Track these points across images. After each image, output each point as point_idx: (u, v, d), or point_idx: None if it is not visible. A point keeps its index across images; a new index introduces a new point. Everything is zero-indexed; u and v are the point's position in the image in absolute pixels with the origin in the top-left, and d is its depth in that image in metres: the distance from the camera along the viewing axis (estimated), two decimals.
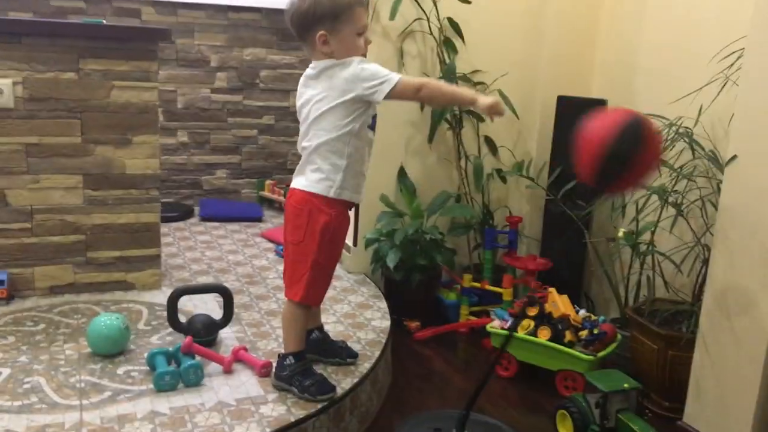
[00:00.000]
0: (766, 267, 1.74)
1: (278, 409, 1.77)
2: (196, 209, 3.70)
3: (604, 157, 1.62)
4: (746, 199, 1.79)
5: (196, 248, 3.08)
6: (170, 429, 1.65)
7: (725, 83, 2.05)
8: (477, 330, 2.71)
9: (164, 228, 3.32)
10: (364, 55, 1.81)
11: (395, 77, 1.74)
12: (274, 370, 1.90)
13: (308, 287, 1.84)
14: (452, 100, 1.87)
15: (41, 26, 2.35)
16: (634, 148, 1.61)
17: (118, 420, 1.67)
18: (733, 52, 1.98)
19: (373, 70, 1.75)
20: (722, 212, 1.86)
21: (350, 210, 1.92)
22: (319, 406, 1.79)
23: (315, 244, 1.81)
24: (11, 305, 2.32)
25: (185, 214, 3.58)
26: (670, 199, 2.16)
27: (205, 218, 3.56)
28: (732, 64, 2.00)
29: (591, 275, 2.81)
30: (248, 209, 3.67)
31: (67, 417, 1.67)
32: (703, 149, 2.13)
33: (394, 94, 1.75)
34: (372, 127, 1.86)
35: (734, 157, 1.81)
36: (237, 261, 2.93)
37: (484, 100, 1.75)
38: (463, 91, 1.83)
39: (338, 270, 2.88)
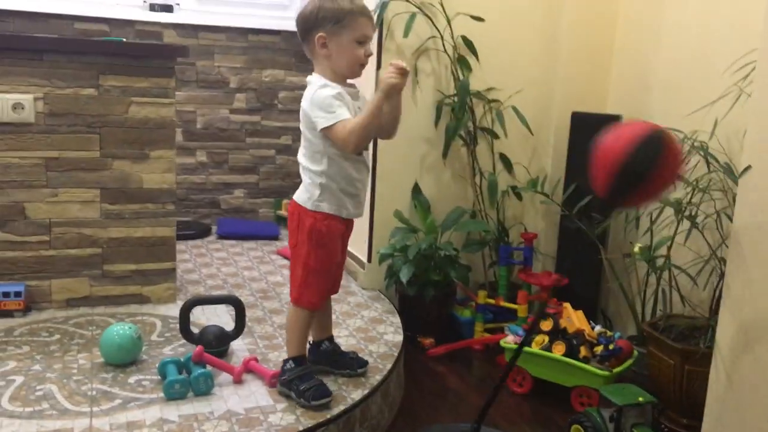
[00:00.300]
0: None
1: (287, 418, 1.76)
2: (214, 228, 3.73)
3: (621, 171, 1.61)
4: (760, 209, 1.77)
5: (212, 264, 3.10)
6: None
7: (739, 96, 2.04)
8: (492, 347, 2.69)
9: (181, 245, 3.35)
10: (363, 66, 1.83)
11: (333, 120, 1.74)
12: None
13: (301, 289, 1.88)
14: (376, 114, 1.74)
15: (63, 44, 2.41)
16: (653, 162, 1.60)
17: (127, 426, 1.68)
18: (747, 64, 1.97)
19: (322, 100, 1.77)
20: (737, 223, 1.83)
21: (343, 220, 1.91)
22: (328, 415, 1.79)
23: (305, 247, 1.86)
24: (28, 317, 2.34)
25: (203, 232, 3.61)
26: (686, 213, 2.14)
27: (222, 236, 3.59)
28: (747, 76, 1.99)
29: (608, 293, 2.79)
30: (265, 228, 3.69)
31: (77, 423, 1.68)
32: (717, 162, 2.11)
33: (329, 133, 1.76)
34: None
35: (748, 168, 1.79)
36: (252, 277, 2.95)
37: (385, 84, 1.73)
38: (373, 102, 1.75)
39: (352, 286, 2.90)
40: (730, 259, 1.86)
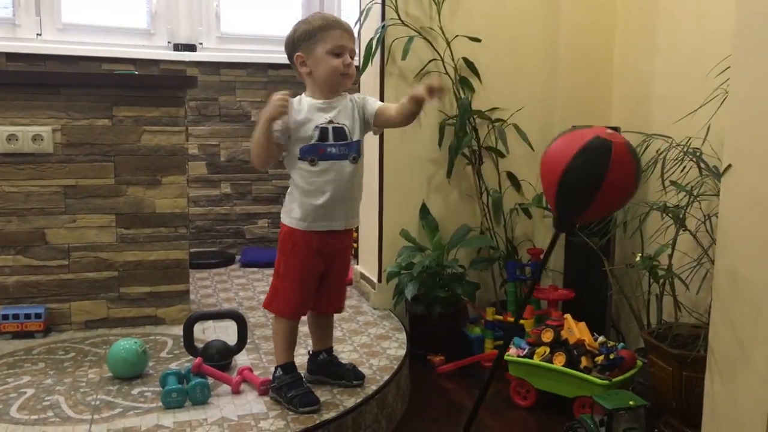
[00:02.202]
0: (765, 276, 1.69)
1: (277, 423, 1.81)
2: (238, 257, 3.83)
3: (560, 190, 1.55)
4: (742, 207, 1.76)
5: (230, 290, 3.19)
6: None
7: (725, 98, 2.04)
8: (503, 365, 2.68)
9: (204, 273, 3.47)
10: (345, 75, 1.89)
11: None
12: None
13: (271, 294, 2.01)
14: (260, 137, 1.83)
15: (78, 78, 2.57)
16: (596, 176, 1.52)
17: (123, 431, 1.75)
18: (728, 68, 1.98)
19: None
20: (722, 222, 1.83)
21: (315, 233, 1.95)
22: (318, 421, 1.83)
23: (279, 254, 1.97)
24: (48, 338, 2.45)
25: (226, 261, 3.71)
26: (672, 214, 2.15)
27: (245, 264, 3.68)
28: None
29: (620, 307, 2.76)
30: None
31: (77, 428, 1.76)
32: (708, 166, 2.11)
33: None
34: (313, 159, 1.88)
35: (729, 167, 1.80)
36: None
37: (265, 114, 1.83)
38: (260, 127, 1.84)
39: (364, 306, 2.94)
40: (717, 260, 1.86)
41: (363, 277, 3.12)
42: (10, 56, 3.42)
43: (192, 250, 3.15)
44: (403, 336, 2.57)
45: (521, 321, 2.69)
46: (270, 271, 3.45)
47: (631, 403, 1.85)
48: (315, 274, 1.98)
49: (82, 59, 3.55)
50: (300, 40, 1.88)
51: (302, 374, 2.02)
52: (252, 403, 1.94)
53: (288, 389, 1.89)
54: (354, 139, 1.93)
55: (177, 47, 3.79)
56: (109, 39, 3.66)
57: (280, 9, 4.01)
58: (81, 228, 2.51)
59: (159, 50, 3.76)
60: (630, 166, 1.62)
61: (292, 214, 1.94)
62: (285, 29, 1.99)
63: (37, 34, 3.52)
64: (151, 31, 3.78)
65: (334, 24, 1.88)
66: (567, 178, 1.55)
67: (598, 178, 1.55)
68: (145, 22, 3.78)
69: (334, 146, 1.89)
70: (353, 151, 1.92)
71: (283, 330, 1.98)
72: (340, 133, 1.91)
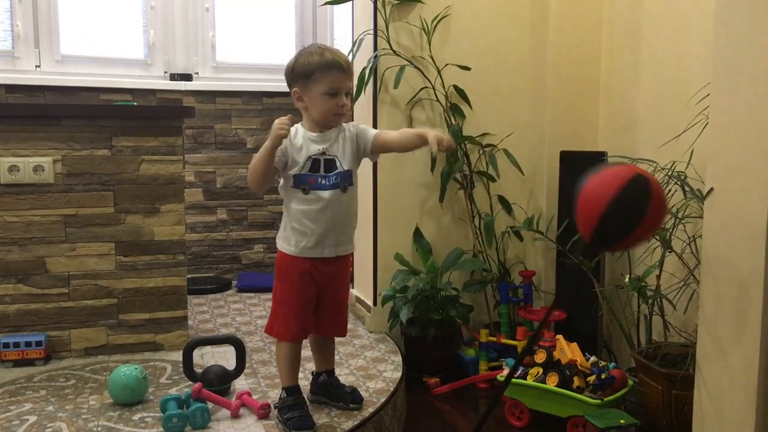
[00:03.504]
0: (748, 295, 1.75)
1: None
2: (235, 282, 3.87)
3: (604, 217, 1.61)
4: (724, 228, 1.82)
5: (227, 315, 3.23)
6: None
7: (706, 124, 2.11)
8: (498, 385, 2.73)
9: (201, 299, 3.51)
10: (339, 115, 1.95)
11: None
12: None
13: (272, 319, 2.06)
14: (262, 157, 1.90)
15: (78, 109, 2.63)
16: (639, 207, 1.61)
17: None
18: (708, 95, 2.05)
19: None
20: (705, 244, 1.89)
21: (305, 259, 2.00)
22: None
23: (276, 279, 2.03)
24: (48, 365, 2.49)
25: (223, 286, 3.75)
26: (659, 236, 2.21)
27: (241, 290, 3.72)
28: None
29: (611, 327, 2.82)
30: None
31: None
32: (691, 188, 2.17)
33: None
34: (305, 188, 1.93)
35: (711, 190, 1.86)
36: (264, 325, 3.04)
37: (275, 134, 1.88)
38: (262, 147, 1.91)
39: (360, 329, 2.99)
40: (702, 280, 1.91)
41: (358, 300, 3.17)
42: (10, 88, 3.48)
43: (189, 276, 3.18)
44: (398, 358, 2.61)
45: (514, 342, 2.75)
46: (266, 296, 3.56)
47: (622, 421, 1.90)
48: (309, 299, 2.03)
49: (81, 90, 3.61)
50: (298, 76, 1.92)
51: (306, 396, 2.08)
52: (251, 427, 1.97)
53: (287, 410, 1.94)
54: (345, 169, 1.97)
55: (173, 77, 3.86)
56: (107, 70, 3.73)
57: (275, 38, 4.09)
58: (81, 256, 2.56)
59: (156, 80, 3.83)
60: (664, 202, 1.70)
61: (285, 240, 2.01)
62: (279, 58, 2.06)
63: (36, 66, 3.59)
64: (148, 62, 3.85)
65: (333, 64, 1.89)
66: (610, 212, 1.62)
67: (640, 213, 1.63)
68: (142, 53, 3.86)
69: (325, 177, 1.95)
70: (345, 181, 1.97)
71: (284, 354, 2.03)
72: (331, 164, 1.96)
